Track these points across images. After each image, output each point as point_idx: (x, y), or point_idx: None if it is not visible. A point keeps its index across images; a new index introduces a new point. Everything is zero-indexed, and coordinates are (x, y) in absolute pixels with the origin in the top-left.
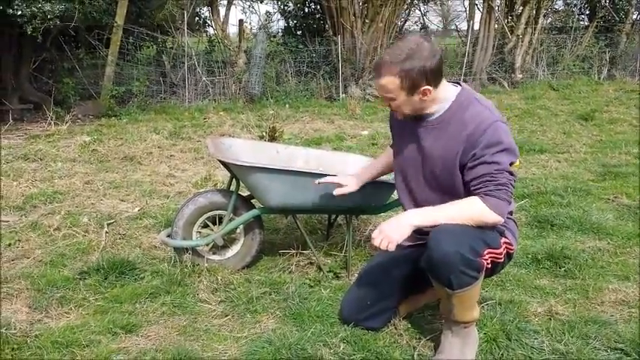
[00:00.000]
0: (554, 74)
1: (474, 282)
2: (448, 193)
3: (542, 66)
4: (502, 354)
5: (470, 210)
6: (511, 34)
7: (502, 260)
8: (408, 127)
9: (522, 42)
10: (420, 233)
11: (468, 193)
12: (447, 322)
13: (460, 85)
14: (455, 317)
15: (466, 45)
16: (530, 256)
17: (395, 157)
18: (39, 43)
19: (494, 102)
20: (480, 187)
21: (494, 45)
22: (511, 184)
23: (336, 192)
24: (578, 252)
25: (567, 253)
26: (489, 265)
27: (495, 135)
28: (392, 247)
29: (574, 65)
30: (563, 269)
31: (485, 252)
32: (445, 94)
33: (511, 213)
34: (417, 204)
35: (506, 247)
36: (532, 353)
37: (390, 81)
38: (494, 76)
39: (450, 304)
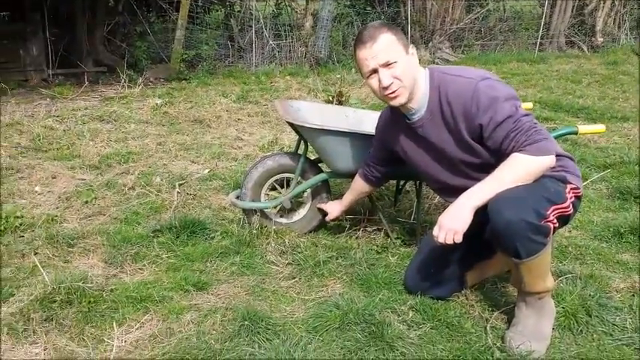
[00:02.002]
0: (637, 39)
1: (542, 248)
2: (484, 168)
3: (625, 29)
4: (581, 329)
5: (520, 167)
6: None
7: (571, 211)
8: (408, 137)
9: (604, 3)
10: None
11: (502, 158)
12: (520, 294)
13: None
14: (527, 287)
15: (543, 6)
16: (611, 229)
17: (416, 168)
18: (112, 7)
19: (572, 67)
20: (513, 145)
21: (573, 6)
22: (534, 122)
23: (327, 218)
24: None
25: None
26: (557, 225)
27: (485, 95)
28: (459, 239)
29: None
30: None
31: (551, 211)
32: (419, 73)
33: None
34: None
35: (573, 194)
36: (614, 331)
37: (387, 38)
38: (572, 39)
39: (519, 274)
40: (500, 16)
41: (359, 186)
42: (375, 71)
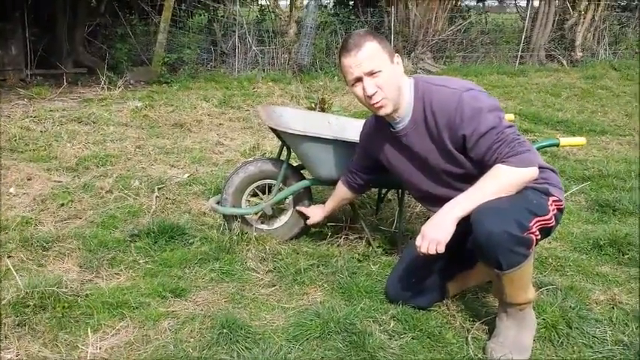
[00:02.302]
0: (615, 54)
1: (524, 260)
2: (467, 179)
3: (604, 45)
4: (562, 341)
5: (503, 178)
6: (572, 9)
7: (553, 223)
8: (392, 145)
9: (584, 18)
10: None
11: (485, 169)
12: (501, 305)
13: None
14: (508, 299)
15: (524, 20)
16: (591, 241)
17: (400, 177)
18: (93, 8)
19: (552, 80)
20: (496, 157)
21: (554, 21)
22: (517, 134)
23: (309, 222)
24: None
25: (631, 240)
26: (539, 236)
27: (469, 106)
28: (441, 249)
29: (637, 45)
30: (626, 257)
31: (533, 223)
32: (404, 82)
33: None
34: None
35: (555, 207)
36: (594, 343)
37: (372, 47)
38: (552, 53)
39: (501, 285)
40: (482, 29)
41: (341, 192)
42: (359, 79)
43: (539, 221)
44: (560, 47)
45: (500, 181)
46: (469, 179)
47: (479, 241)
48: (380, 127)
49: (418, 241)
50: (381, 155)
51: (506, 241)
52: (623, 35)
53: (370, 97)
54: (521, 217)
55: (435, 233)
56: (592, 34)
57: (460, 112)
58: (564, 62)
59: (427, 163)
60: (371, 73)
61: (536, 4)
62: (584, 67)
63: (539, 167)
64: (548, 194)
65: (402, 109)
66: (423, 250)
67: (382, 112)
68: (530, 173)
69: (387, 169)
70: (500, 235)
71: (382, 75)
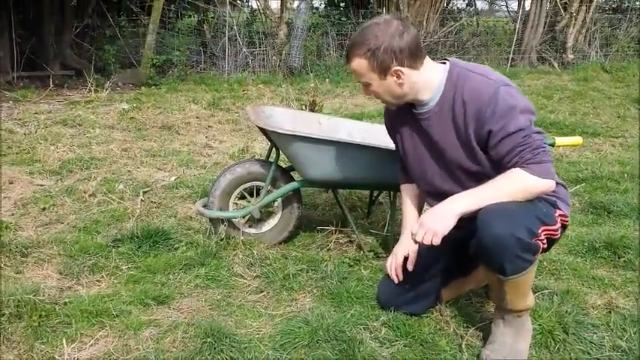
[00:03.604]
0: (607, 56)
1: (529, 266)
2: (480, 178)
3: (595, 47)
4: (558, 348)
5: (518, 183)
6: (564, 11)
7: (558, 235)
8: (410, 126)
9: (575, 20)
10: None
11: (501, 170)
12: (498, 311)
13: (448, 61)
14: (508, 305)
15: (516, 22)
16: (586, 244)
17: (408, 162)
18: (81, 9)
19: (543, 82)
20: (517, 160)
21: (545, 23)
22: (544, 143)
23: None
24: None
25: (627, 243)
26: (545, 245)
27: (504, 101)
28: (437, 241)
29: (628, 47)
30: (622, 259)
31: (541, 230)
32: (431, 75)
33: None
34: None
35: (561, 220)
36: (591, 349)
37: (359, 64)
38: (544, 55)
39: (502, 291)
40: (474, 31)
41: (413, 191)
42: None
43: (546, 230)
44: (552, 49)
45: (514, 185)
46: (483, 180)
47: (485, 244)
48: (401, 106)
49: (415, 228)
50: (397, 136)
51: (513, 246)
52: (614, 37)
53: None
54: (530, 223)
55: (434, 224)
56: (583, 36)
57: (493, 106)
58: (556, 64)
59: (443, 153)
60: (363, 84)
61: (527, 6)
62: (576, 69)
63: None
64: (555, 207)
65: (427, 94)
66: (418, 238)
67: (391, 107)
68: (547, 185)
69: (400, 153)
70: (509, 238)
71: (372, 87)
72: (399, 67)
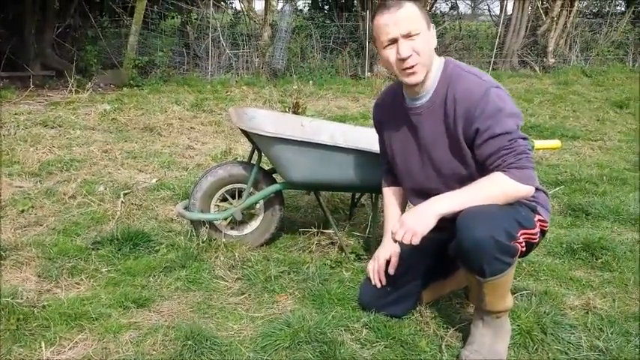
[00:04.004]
0: (587, 60)
1: (507, 268)
2: (465, 180)
3: (576, 51)
4: (537, 348)
5: (498, 186)
6: (545, 16)
7: (537, 240)
8: (401, 121)
9: (557, 25)
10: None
11: (485, 172)
12: (477, 312)
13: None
14: (486, 306)
15: (498, 26)
16: (564, 245)
17: (394, 158)
18: (63, 9)
19: (524, 86)
20: (499, 163)
21: (527, 27)
22: (528, 149)
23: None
24: (616, 243)
25: (604, 244)
26: (524, 248)
27: (493, 102)
28: (416, 241)
29: (608, 52)
30: (600, 261)
31: (520, 234)
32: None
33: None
34: None
35: (540, 225)
36: (569, 349)
37: (412, 10)
38: (525, 59)
39: (481, 292)
40: (456, 35)
41: (397, 196)
42: (394, 41)
43: (525, 233)
44: (533, 53)
45: (494, 189)
46: (468, 180)
47: (464, 246)
48: (393, 99)
49: (395, 227)
50: (385, 131)
51: (492, 248)
52: (594, 42)
53: (403, 61)
54: (509, 226)
55: (414, 224)
56: (564, 40)
57: (482, 105)
58: (537, 68)
59: (430, 151)
60: (408, 35)
61: (509, 10)
62: (557, 73)
63: None
64: (535, 212)
65: (427, 84)
66: (398, 238)
67: (412, 80)
68: (526, 191)
69: (387, 150)
70: (488, 241)
71: (419, 39)
72: (432, 26)
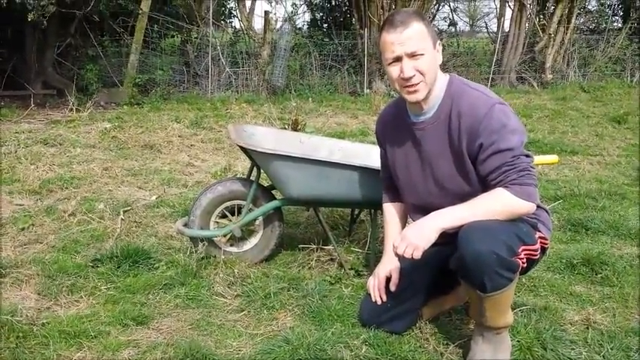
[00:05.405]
0: (585, 76)
1: (508, 284)
2: (467, 196)
3: (574, 67)
4: None
5: (499, 202)
6: (542, 32)
7: (537, 257)
8: (403, 136)
9: (554, 41)
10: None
11: (487, 188)
12: (477, 328)
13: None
14: (487, 322)
15: (495, 43)
16: (564, 260)
17: (396, 173)
18: (63, 28)
19: (523, 102)
20: (501, 179)
21: (524, 44)
22: (531, 166)
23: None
24: (616, 258)
25: (604, 259)
26: (525, 264)
27: (497, 118)
28: (417, 255)
29: (606, 67)
30: (599, 276)
31: (521, 249)
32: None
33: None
34: None
35: (541, 243)
36: None
37: (419, 29)
38: (523, 75)
39: (481, 307)
40: (454, 52)
41: (398, 212)
42: (398, 59)
43: (526, 249)
44: (531, 69)
45: (495, 204)
46: (470, 196)
47: (465, 261)
48: (397, 114)
49: (397, 241)
50: (387, 145)
51: (493, 263)
52: (592, 57)
53: (406, 80)
54: (510, 241)
55: (416, 238)
56: (562, 56)
57: (487, 121)
58: (535, 84)
59: (433, 166)
60: (412, 55)
61: (507, 27)
62: (555, 89)
63: None
64: (535, 228)
65: (430, 101)
66: (400, 252)
67: (413, 98)
68: (527, 208)
69: (389, 164)
70: (489, 255)
71: (423, 59)
72: (438, 41)
